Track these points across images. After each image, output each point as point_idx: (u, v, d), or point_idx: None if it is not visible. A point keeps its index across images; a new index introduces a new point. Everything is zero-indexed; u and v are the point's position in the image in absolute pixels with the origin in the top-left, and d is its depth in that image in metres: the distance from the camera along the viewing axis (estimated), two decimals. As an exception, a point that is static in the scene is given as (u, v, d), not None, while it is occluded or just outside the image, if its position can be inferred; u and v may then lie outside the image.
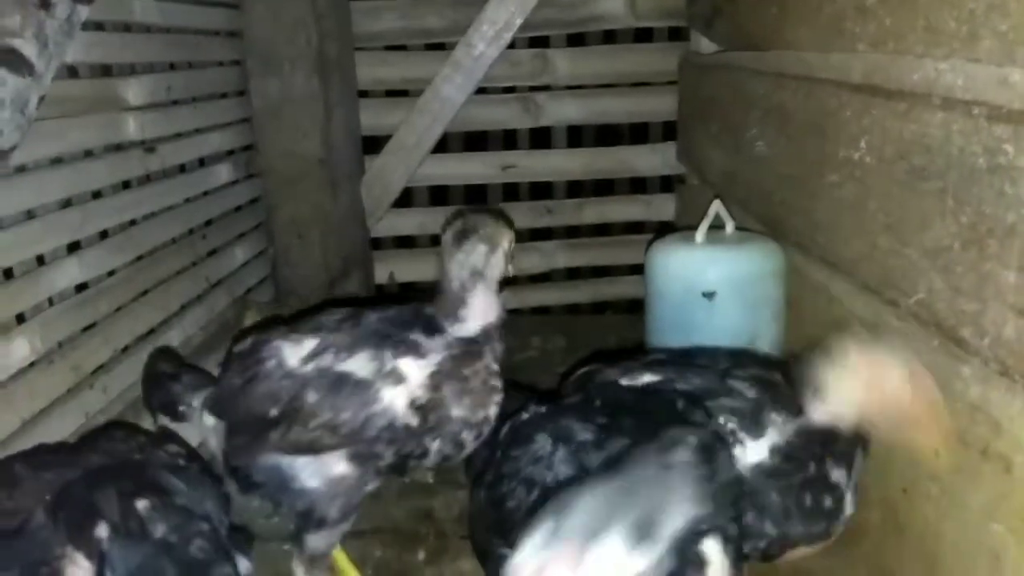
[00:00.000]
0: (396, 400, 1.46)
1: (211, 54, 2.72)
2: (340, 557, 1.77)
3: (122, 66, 2.22)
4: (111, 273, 2.10)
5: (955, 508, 1.35)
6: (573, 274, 3.78)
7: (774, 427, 1.35)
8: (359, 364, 1.46)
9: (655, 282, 1.95)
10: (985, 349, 1.24)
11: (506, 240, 1.57)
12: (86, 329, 1.97)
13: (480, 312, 1.55)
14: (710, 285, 1.84)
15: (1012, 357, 1.17)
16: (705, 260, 1.88)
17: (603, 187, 3.77)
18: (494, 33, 3.11)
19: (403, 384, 1.46)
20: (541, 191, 3.72)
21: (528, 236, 3.72)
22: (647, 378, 1.47)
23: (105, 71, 2.16)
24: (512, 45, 3.27)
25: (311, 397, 1.45)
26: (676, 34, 3.47)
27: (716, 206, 1.93)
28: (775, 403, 1.37)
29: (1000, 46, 1.18)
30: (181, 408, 1.69)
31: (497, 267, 1.55)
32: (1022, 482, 1.17)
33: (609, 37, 3.55)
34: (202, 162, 2.63)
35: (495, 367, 1.55)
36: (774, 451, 1.32)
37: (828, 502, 1.34)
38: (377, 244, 3.57)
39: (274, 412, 1.48)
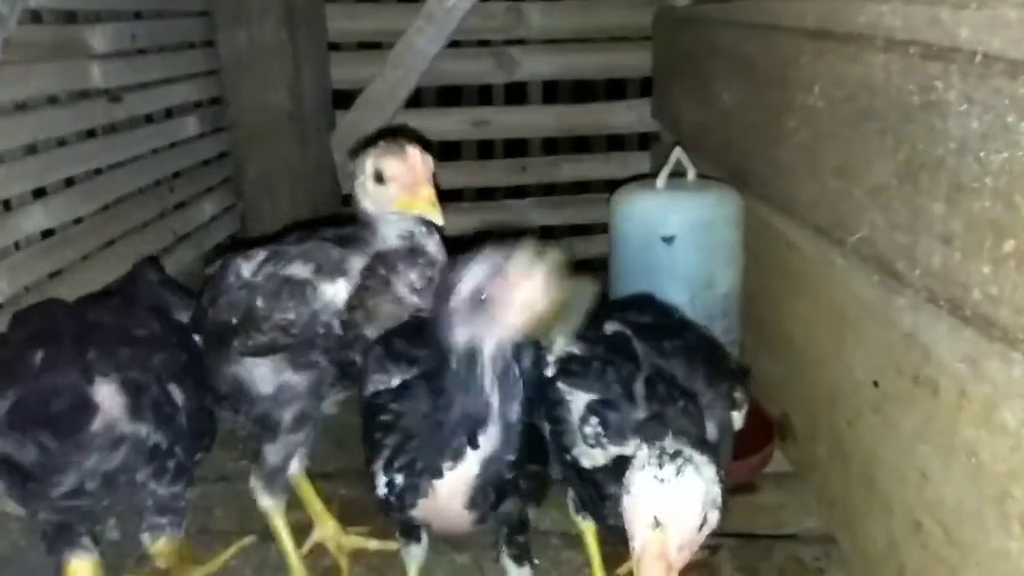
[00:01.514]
0: (336, 298, 1.55)
1: (178, 3, 2.70)
2: (306, 489, 1.84)
3: (87, 13, 2.21)
4: (77, 221, 2.11)
5: (891, 434, 1.42)
6: (547, 232, 3.80)
7: (631, 446, 1.29)
8: (297, 268, 1.58)
9: (618, 227, 1.99)
10: (916, 279, 1.29)
11: (385, 162, 1.51)
12: (53, 275, 1.99)
13: (387, 229, 1.57)
14: (669, 230, 1.88)
15: (939, 284, 1.23)
16: (665, 206, 1.92)
17: (579, 144, 3.77)
18: (466, -15, 3.10)
19: (338, 286, 1.55)
20: (516, 148, 3.72)
21: (503, 194, 3.74)
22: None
23: (69, 18, 2.15)
24: (486, -3, 3.25)
25: (259, 301, 1.57)
26: (652, -12, 3.46)
27: (677, 152, 1.96)
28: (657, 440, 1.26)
29: (934, -16, 1.22)
30: (172, 315, 1.78)
31: (373, 191, 1.53)
32: (946, 404, 1.23)
33: (584, -10, 3.54)
34: (169, 113, 2.63)
35: (405, 288, 1.57)
36: (621, 461, 1.28)
37: None
38: (349, 200, 3.57)
39: (234, 320, 1.60)
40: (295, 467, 1.79)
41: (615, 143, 3.74)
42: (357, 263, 1.57)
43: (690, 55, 2.77)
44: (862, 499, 1.55)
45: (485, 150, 3.73)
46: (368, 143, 1.61)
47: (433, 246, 1.61)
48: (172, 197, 2.60)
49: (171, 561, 1.64)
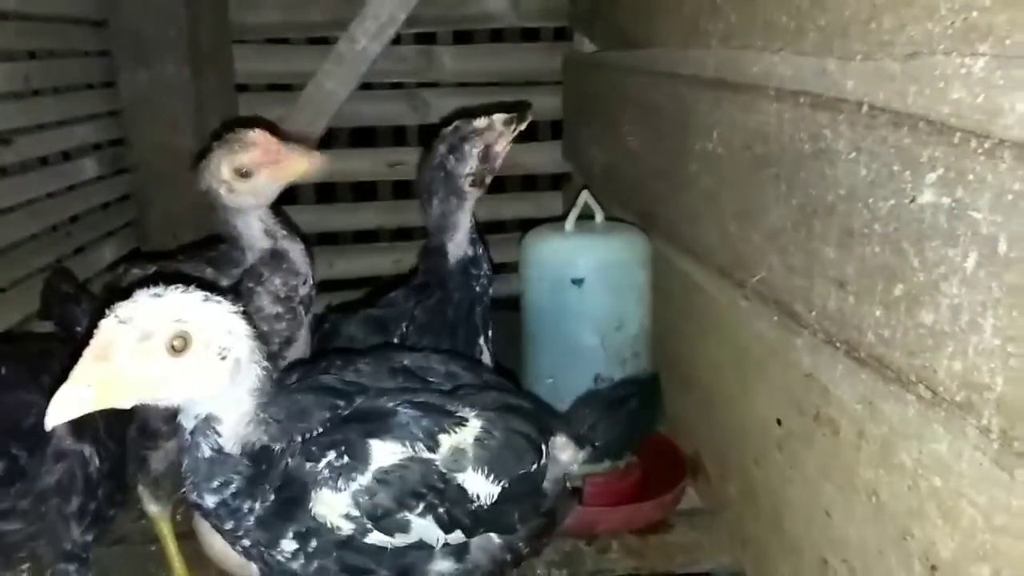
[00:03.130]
0: None
1: (76, 43, 2.61)
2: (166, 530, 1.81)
3: (-28, 53, 2.11)
4: (-38, 270, 1.99)
5: (796, 473, 1.45)
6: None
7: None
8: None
9: (528, 269, 2.00)
10: (813, 321, 1.33)
11: (239, 158, 1.55)
12: (-67, 328, 1.87)
13: (251, 231, 1.64)
14: (579, 272, 1.89)
15: (834, 326, 1.27)
16: (574, 249, 1.93)
17: (493, 184, 3.78)
18: (377, 28, 3.10)
19: None
20: (431, 188, 3.72)
21: (419, 234, 3.72)
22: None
23: (-46, 57, 2.05)
24: (397, 41, 3.26)
25: None
26: (561, 34, 3.54)
27: (584, 196, 1.99)
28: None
29: (821, 38, 1.28)
30: (77, 328, 1.82)
31: (243, 188, 1.56)
32: (846, 443, 1.26)
33: (497, 36, 3.59)
34: (66, 155, 2.52)
35: (268, 299, 1.65)
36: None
37: None
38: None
39: None
40: None
41: (528, 183, 3.79)
42: (224, 283, 1.64)
43: (598, 99, 2.84)
44: (771, 537, 1.57)
45: (400, 190, 3.71)
46: (201, 157, 1.64)
47: (297, 254, 1.68)
48: (69, 242, 2.48)
49: None
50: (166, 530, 1.78)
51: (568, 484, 1.43)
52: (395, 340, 1.80)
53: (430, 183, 1.80)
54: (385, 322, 1.83)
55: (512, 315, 2.15)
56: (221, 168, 1.55)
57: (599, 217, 2.02)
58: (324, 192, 3.62)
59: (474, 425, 1.26)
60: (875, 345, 1.16)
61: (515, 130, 1.77)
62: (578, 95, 3.17)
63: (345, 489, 1.17)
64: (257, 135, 1.55)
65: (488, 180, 1.81)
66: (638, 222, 2.22)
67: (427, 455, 1.21)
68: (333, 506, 1.18)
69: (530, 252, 1.99)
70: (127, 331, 1.00)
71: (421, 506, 1.20)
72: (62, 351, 1.60)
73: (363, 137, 3.60)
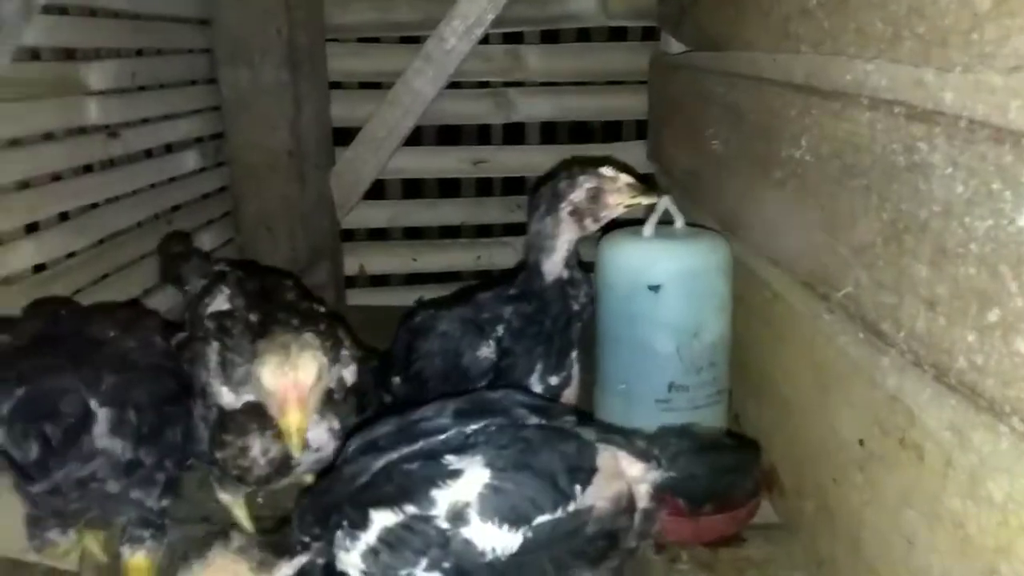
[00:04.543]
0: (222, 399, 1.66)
1: (180, 41, 2.74)
2: (242, 515, 1.88)
3: (86, 51, 2.24)
4: (71, 255, 2.12)
5: (876, 496, 1.40)
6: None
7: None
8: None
9: (604, 274, 1.99)
10: (901, 341, 1.28)
11: (264, 374, 1.47)
12: (43, 310, 1.99)
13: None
14: (656, 278, 1.87)
15: (923, 348, 1.21)
16: (652, 254, 1.91)
17: (575, 184, 3.79)
18: (465, 28, 3.14)
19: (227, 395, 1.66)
20: (514, 186, 3.75)
21: (501, 231, 3.76)
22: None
23: (69, 55, 2.18)
24: (485, 40, 3.29)
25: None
26: (649, 34, 3.50)
27: (665, 202, 1.96)
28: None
29: (918, 47, 1.22)
30: (187, 287, 2.05)
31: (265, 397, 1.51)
32: (932, 470, 1.21)
33: (583, 35, 3.59)
34: (169, 148, 2.65)
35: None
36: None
37: None
38: (348, 236, 3.59)
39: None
40: None
41: (612, 184, 3.76)
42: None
43: (683, 100, 2.80)
44: (848, 559, 1.52)
45: (484, 187, 3.75)
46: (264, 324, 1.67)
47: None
48: (169, 230, 2.61)
49: None
50: (241, 515, 1.87)
51: (648, 502, 1.39)
52: (491, 342, 1.83)
53: (538, 196, 1.83)
54: (481, 324, 1.86)
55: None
56: (259, 372, 1.47)
57: (679, 223, 1.99)
58: (410, 187, 3.69)
59: (479, 475, 1.26)
60: (966, 371, 1.11)
61: (633, 196, 1.80)
62: (663, 96, 3.13)
63: (354, 549, 1.27)
64: (284, 382, 1.43)
65: (589, 224, 1.80)
66: (718, 227, 2.18)
67: (422, 513, 1.24)
68: (349, 564, 1.28)
69: (606, 257, 1.98)
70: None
71: (424, 562, 1.24)
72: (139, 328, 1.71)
73: (449, 134, 3.65)
